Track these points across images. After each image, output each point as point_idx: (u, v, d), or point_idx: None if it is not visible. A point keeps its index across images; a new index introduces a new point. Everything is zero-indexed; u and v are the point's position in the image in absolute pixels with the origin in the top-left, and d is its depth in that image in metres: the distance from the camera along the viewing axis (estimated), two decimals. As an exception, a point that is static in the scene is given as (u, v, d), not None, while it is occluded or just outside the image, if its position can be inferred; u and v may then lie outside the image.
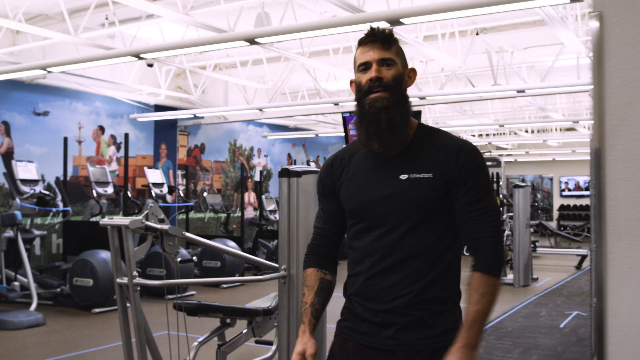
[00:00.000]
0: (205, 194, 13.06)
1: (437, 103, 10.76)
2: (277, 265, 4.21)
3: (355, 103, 2.00)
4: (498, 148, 21.75)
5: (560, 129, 21.09)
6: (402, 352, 1.92)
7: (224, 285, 10.30)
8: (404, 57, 2.02)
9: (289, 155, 16.50)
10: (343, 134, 17.55)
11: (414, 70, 2.05)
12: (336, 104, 9.73)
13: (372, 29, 1.96)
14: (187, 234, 3.86)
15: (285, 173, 4.19)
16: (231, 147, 14.52)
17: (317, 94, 12.62)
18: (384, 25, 1.84)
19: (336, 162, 2.11)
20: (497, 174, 17.14)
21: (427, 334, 1.92)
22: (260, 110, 10.56)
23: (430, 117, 15.82)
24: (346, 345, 2.04)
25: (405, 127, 1.96)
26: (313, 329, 2.04)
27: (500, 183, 17.36)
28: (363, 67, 1.96)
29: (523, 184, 10.64)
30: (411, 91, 10.76)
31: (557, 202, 23.71)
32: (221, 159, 14.26)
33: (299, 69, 11.43)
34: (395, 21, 5.63)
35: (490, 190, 1.97)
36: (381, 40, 1.94)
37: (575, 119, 14.29)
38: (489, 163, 17.66)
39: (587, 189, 22.56)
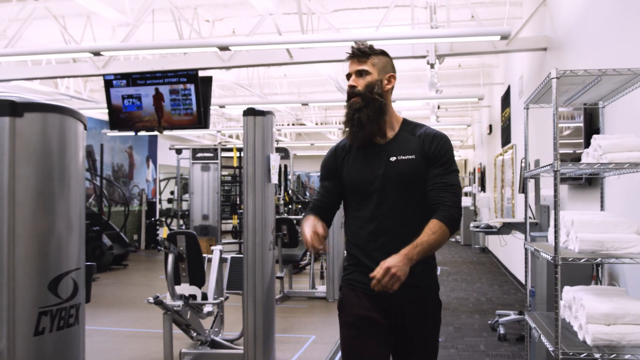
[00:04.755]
0: None
1: (243, 66, 8.36)
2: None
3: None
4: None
5: (339, 122, 20.01)
6: (391, 296, 2.41)
7: None
8: (384, 66, 2.58)
9: (30, 140, 12.91)
10: (98, 115, 14.27)
11: (393, 76, 2.61)
12: (96, 54, 6.75)
13: (352, 47, 2.58)
14: None
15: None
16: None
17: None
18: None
19: (339, 149, 2.68)
20: (286, 166, 15.29)
21: (410, 281, 2.34)
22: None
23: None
24: (354, 292, 2.59)
25: (377, 123, 2.54)
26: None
27: (289, 177, 15.53)
28: (348, 77, 2.60)
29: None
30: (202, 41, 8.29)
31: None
32: None
33: (44, 16, 8.31)
34: None
35: (455, 169, 2.54)
36: (357, 55, 2.56)
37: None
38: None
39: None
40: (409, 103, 13.99)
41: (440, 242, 2.40)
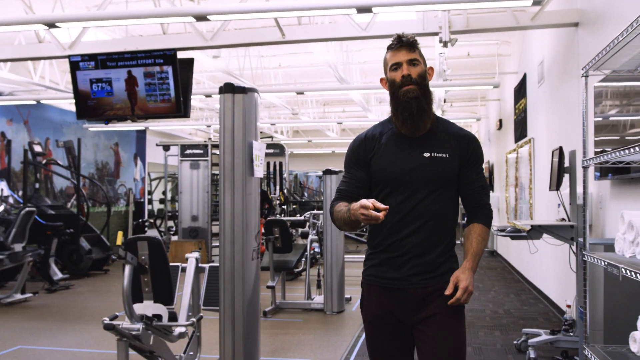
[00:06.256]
0: None
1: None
2: None
3: (390, 96, 2.52)
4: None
5: (338, 118, 18.96)
6: (411, 289, 2.45)
7: None
8: (424, 58, 2.55)
9: (3, 135, 11.93)
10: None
11: (432, 68, 2.57)
12: (52, 26, 5.67)
13: (399, 36, 2.49)
14: None
15: None
16: None
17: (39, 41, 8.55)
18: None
19: (369, 138, 2.58)
20: (281, 163, 14.29)
21: (431, 275, 2.45)
22: None
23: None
24: (372, 288, 2.56)
25: (430, 114, 2.50)
26: None
27: (284, 175, 14.53)
28: (395, 67, 2.48)
29: (336, 170, 7.66)
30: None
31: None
32: None
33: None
34: None
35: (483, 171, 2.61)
36: (407, 45, 2.47)
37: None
38: (270, 150, 14.75)
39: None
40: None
41: (486, 245, 2.54)
